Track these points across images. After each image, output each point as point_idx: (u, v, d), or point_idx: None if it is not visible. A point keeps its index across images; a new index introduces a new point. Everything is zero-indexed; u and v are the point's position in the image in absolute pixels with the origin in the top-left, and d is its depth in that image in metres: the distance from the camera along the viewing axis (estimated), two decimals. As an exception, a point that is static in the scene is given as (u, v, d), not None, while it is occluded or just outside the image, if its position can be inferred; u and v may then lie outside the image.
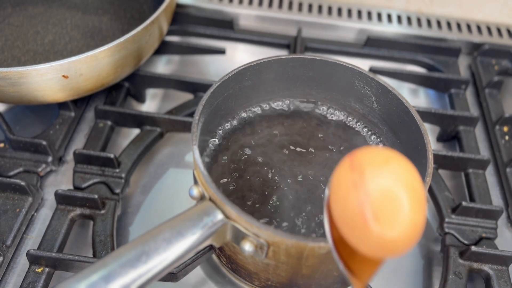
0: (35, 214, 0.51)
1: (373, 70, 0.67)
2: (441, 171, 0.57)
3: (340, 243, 0.31)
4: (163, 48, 0.67)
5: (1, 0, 0.66)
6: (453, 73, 0.69)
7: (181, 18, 0.72)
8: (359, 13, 0.77)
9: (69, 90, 0.52)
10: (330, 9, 0.77)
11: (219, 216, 0.36)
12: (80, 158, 0.52)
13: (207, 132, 0.48)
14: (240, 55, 0.73)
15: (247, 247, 0.36)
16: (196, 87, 0.62)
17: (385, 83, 0.46)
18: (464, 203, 0.50)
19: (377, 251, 0.29)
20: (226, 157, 0.47)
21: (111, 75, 0.54)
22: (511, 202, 0.55)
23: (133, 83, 0.62)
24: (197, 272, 0.48)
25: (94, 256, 0.46)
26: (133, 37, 0.52)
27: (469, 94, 0.69)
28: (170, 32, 0.71)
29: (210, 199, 0.38)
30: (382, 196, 0.28)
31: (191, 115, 0.58)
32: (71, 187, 0.52)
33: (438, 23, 0.77)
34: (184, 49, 0.69)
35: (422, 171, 0.40)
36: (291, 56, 0.48)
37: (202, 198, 0.39)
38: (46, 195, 0.53)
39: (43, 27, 0.63)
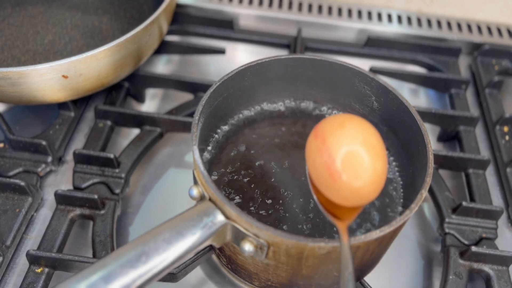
0: (35, 214, 0.51)
1: (373, 70, 0.67)
2: (441, 171, 0.57)
3: (325, 201, 0.36)
4: (163, 48, 0.67)
5: (1, 0, 0.66)
6: (453, 73, 0.69)
7: (181, 18, 0.72)
8: (359, 13, 0.77)
9: (69, 90, 0.52)
10: (330, 9, 0.77)
11: (219, 216, 0.36)
12: (80, 158, 0.52)
13: (207, 132, 0.48)
14: (240, 55, 0.73)
15: (247, 247, 0.36)
16: (196, 87, 0.62)
17: (385, 83, 0.46)
18: (464, 203, 0.50)
19: (351, 200, 0.34)
20: (226, 157, 0.47)
21: (111, 75, 0.54)
22: (511, 202, 0.55)
23: (133, 83, 0.62)
24: (197, 272, 0.48)
25: (94, 256, 0.46)
26: (133, 37, 0.52)
27: (469, 94, 0.69)
28: (170, 32, 0.71)
29: (210, 199, 0.37)
30: (343, 155, 0.33)
31: (191, 115, 0.58)
32: (71, 187, 0.52)
33: (438, 23, 0.77)
34: (184, 49, 0.69)
35: (422, 171, 0.40)
36: (291, 56, 0.48)
37: (202, 198, 0.39)
38: (46, 195, 0.53)
39: (43, 27, 0.63)
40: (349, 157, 0.33)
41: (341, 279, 0.31)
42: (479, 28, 0.76)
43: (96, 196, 0.48)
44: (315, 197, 0.37)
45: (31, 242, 0.49)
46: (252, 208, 0.43)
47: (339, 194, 0.34)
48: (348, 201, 0.35)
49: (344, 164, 0.33)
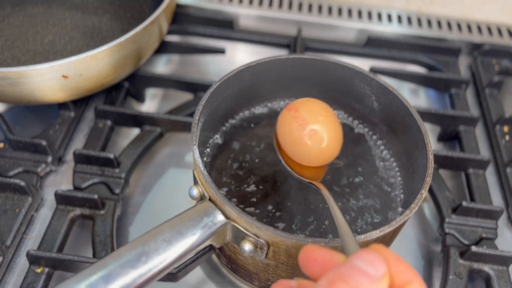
0: (35, 214, 0.51)
1: (373, 70, 0.67)
2: (441, 171, 0.57)
3: (292, 163, 0.43)
4: (163, 48, 0.67)
5: (1, 0, 0.66)
6: (453, 73, 0.69)
7: (181, 18, 0.72)
8: (359, 13, 0.77)
9: (69, 90, 0.52)
10: (330, 9, 0.77)
11: (219, 216, 0.36)
12: (80, 158, 0.52)
13: (207, 132, 0.48)
14: (240, 55, 0.73)
15: (247, 247, 0.36)
16: (196, 87, 0.62)
17: (385, 83, 0.46)
18: (464, 203, 0.50)
19: (315, 160, 0.42)
20: (226, 157, 0.47)
21: (111, 75, 0.54)
22: (511, 202, 0.55)
23: (133, 83, 0.62)
24: (197, 272, 0.48)
25: (94, 256, 0.46)
26: (133, 37, 0.52)
27: (469, 94, 0.69)
28: (170, 32, 0.71)
29: (210, 199, 0.38)
30: (313, 118, 0.40)
31: (191, 115, 0.58)
32: (71, 187, 0.52)
33: (439, 23, 0.77)
34: (184, 49, 0.69)
35: (422, 171, 0.40)
36: (291, 56, 0.48)
37: (202, 198, 0.39)
38: (46, 195, 0.53)
39: (43, 27, 0.63)
40: (320, 119, 0.41)
41: (335, 221, 0.34)
42: (479, 28, 0.76)
43: (96, 196, 0.48)
44: (285, 164, 0.43)
45: (31, 242, 0.49)
46: (252, 208, 0.43)
47: (310, 154, 0.41)
48: (317, 159, 0.42)
49: (316, 125, 0.40)
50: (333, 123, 0.41)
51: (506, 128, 0.62)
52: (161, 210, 0.53)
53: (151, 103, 0.65)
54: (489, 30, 0.76)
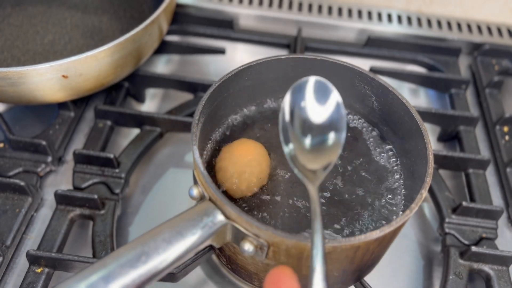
0: (35, 214, 0.51)
1: (373, 70, 0.67)
2: (441, 171, 0.57)
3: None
4: (163, 48, 0.67)
5: (1, 0, 0.66)
6: (454, 73, 0.69)
7: (181, 18, 0.72)
8: (359, 13, 0.77)
9: (69, 90, 0.52)
10: (330, 9, 0.77)
11: (219, 216, 0.36)
12: (80, 158, 0.52)
13: (207, 132, 0.48)
14: (240, 55, 0.73)
15: (247, 247, 0.36)
16: (196, 87, 0.62)
17: (385, 83, 0.46)
18: (464, 203, 0.50)
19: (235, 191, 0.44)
20: (226, 157, 0.47)
21: (111, 75, 0.54)
22: (511, 202, 0.55)
23: (133, 83, 0.62)
24: (197, 272, 0.48)
25: (94, 256, 0.46)
26: (133, 37, 0.52)
27: (470, 94, 0.69)
28: (170, 32, 0.71)
29: (210, 199, 0.37)
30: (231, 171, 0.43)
31: (191, 115, 0.58)
32: (71, 187, 0.52)
33: (439, 23, 0.77)
34: (184, 49, 0.69)
35: (422, 171, 0.40)
36: (291, 56, 0.48)
37: (202, 198, 0.39)
38: (46, 195, 0.53)
39: (43, 27, 0.63)
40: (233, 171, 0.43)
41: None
42: (479, 28, 0.76)
43: (96, 196, 0.48)
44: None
45: (31, 242, 0.49)
46: (252, 208, 0.43)
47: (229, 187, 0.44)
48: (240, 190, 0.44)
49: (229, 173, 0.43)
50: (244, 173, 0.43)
51: (506, 128, 0.62)
52: (161, 210, 0.53)
53: (151, 103, 0.65)
54: (489, 30, 0.76)
